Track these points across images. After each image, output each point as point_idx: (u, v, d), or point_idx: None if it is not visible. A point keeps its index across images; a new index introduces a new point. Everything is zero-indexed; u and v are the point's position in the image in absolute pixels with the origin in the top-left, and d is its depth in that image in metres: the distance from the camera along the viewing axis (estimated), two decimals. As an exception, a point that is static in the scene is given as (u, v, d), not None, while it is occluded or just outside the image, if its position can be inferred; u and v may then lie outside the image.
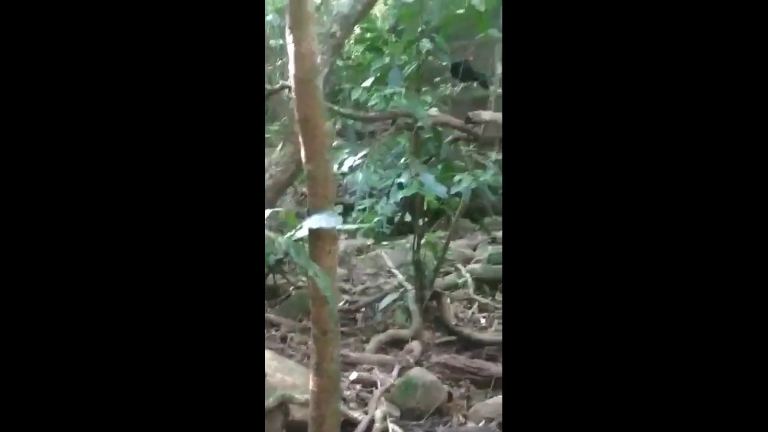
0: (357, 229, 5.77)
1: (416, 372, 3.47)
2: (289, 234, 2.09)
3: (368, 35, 4.07)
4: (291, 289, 4.76)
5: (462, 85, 5.29)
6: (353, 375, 3.56)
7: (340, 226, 2.10)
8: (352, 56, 5.37)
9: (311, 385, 2.24)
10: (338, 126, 7.38)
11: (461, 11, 3.79)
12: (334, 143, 5.18)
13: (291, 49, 2.00)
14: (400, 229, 5.75)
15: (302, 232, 2.09)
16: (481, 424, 3.16)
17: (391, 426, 3.05)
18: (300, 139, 2.10)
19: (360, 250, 5.81)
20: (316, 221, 2.03)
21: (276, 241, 2.02)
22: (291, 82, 2.05)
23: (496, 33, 3.96)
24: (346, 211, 6.44)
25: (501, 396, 3.37)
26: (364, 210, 5.14)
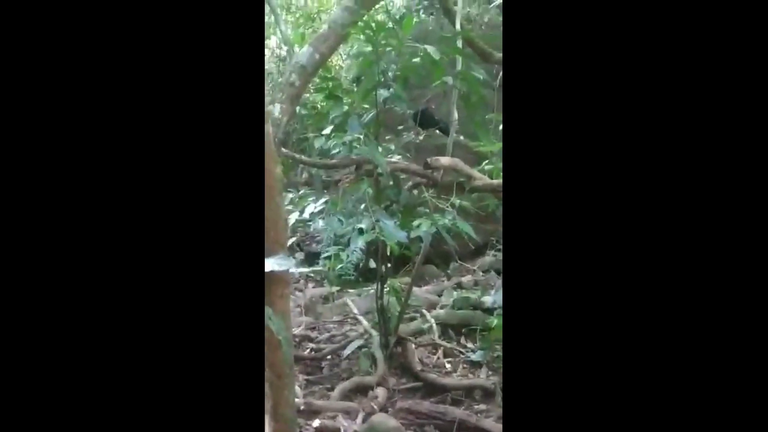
0: (323, 273, 5.78)
1: (380, 418, 3.46)
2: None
3: (327, 84, 4.13)
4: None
5: (424, 133, 5.35)
6: (317, 422, 3.53)
7: (292, 269, 2.12)
8: (311, 105, 5.44)
9: (267, 430, 2.23)
10: (305, 176, 7.45)
11: (417, 60, 3.87)
12: (301, 192, 5.22)
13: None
14: (367, 276, 5.76)
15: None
16: (444, 469, 3.14)
17: (354, 473, 3.03)
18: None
19: (326, 298, 5.79)
20: (268, 265, 2.04)
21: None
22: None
23: (451, 80, 4.06)
24: (313, 258, 6.45)
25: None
26: (329, 257, 5.16)
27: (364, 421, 3.54)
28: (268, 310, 1.99)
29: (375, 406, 3.73)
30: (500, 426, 3.56)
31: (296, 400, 3.48)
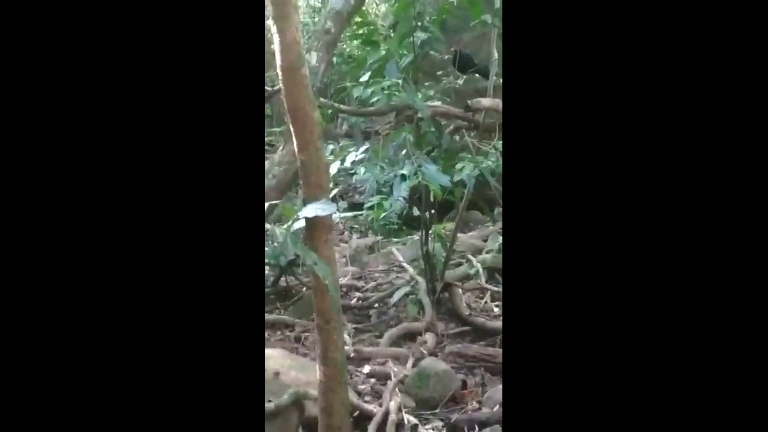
0: (367, 223, 5.79)
1: (429, 362, 3.47)
2: (286, 225, 2.09)
3: (363, 30, 4.07)
4: (303, 289, 4.77)
5: (463, 76, 5.27)
6: (367, 368, 3.56)
7: (335, 214, 2.11)
8: (348, 54, 5.39)
9: (318, 375, 2.25)
10: (345, 127, 7.43)
11: (453, 0, 3.78)
12: (341, 144, 5.20)
13: (276, 39, 2.01)
14: (410, 224, 5.76)
15: (299, 223, 2.10)
16: (495, 409, 3.15)
17: (406, 416, 3.05)
18: (291, 130, 2.11)
19: (371, 248, 5.81)
20: (311, 210, 2.03)
21: (273, 232, 2.03)
22: (278, 72, 2.05)
23: (490, 19, 3.96)
24: (356, 209, 6.47)
25: (515, 381, 3.37)
26: (372, 207, 5.16)
27: (414, 365, 3.55)
28: (312, 256, 1.99)
29: (424, 351, 3.75)
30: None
31: (346, 347, 3.52)
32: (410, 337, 4.07)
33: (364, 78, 3.99)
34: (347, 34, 4.47)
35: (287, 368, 3.23)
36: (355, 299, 4.79)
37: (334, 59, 4.45)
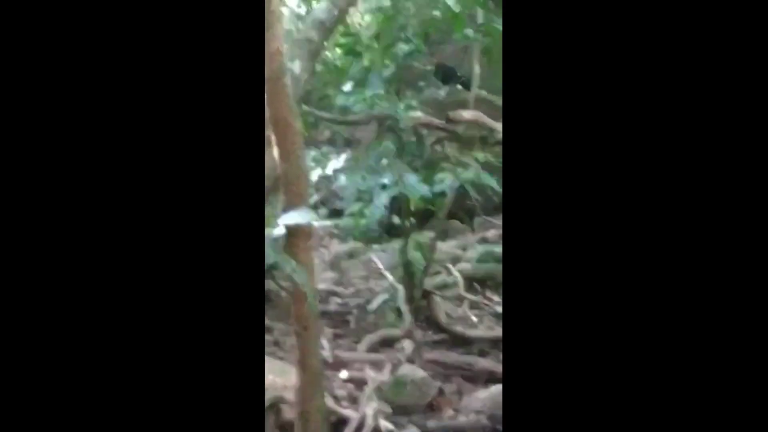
0: (347, 230, 5.81)
1: (407, 369, 3.51)
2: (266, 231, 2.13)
3: (346, 40, 4.11)
4: (283, 294, 4.78)
5: (445, 88, 5.33)
6: (344, 374, 3.59)
7: (314, 222, 2.15)
8: (331, 62, 5.42)
9: (296, 381, 2.29)
10: (327, 134, 7.45)
11: (437, 13, 3.84)
12: (323, 150, 5.24)
13: (259, 50, 2.04)
14: (391, 232, 5.80)
15: (279, 230, 2.13)
16: (471, 417, 3.20)
17: (382, 422, 3.08)
18: (273, 139, 2.15)
19: (351, 254, 5.84)
20: (290, 218, 2.07)
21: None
22: (261, 83, 2.09)
23: (472, 33, 4.02)
24: (337, 215, 6.49)
25: (491, 389, 3.42)
26: (353, 214, 5.19)
27: (391, 372, 3.58)
28: (291, 263, 2.02)
29: (402, 358, 3.78)
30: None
31: (324, 352, 3.55)
32: (388, 343, 4.10)
33: (347, 87, 4.04)
34: (331, 43, 4.51)
35: (265, 372, 3.24)
36: (334, 305, 4.82)
37: (318, 67, 4.48)
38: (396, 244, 4.93)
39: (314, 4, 4.76)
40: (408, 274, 4.43)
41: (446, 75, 4.82)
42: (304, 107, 4.12)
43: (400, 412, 3.27)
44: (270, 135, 2.19)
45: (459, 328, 4.28)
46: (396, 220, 4.98)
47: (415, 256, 4.54)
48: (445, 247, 5.68)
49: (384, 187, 3.59)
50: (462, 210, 6.22)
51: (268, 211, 2.53)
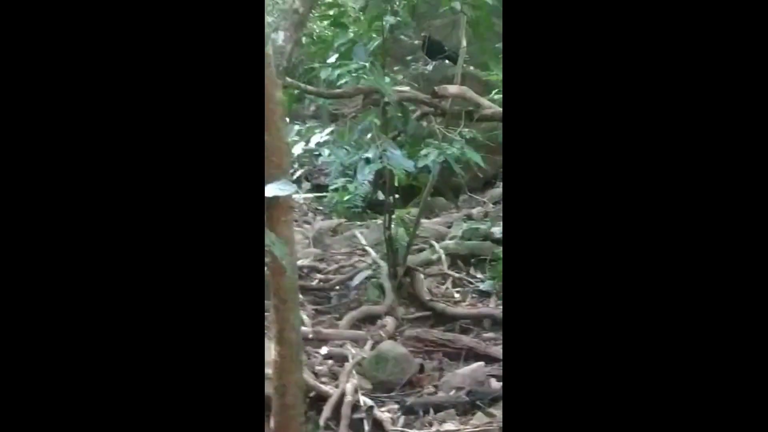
0: (330, 205, 5.79)
1: (388, 345, 3.50)
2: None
3: (332, 11, 4.04)
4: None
5: (432, 62, 5.27)
6: (325, 350, 3.58)
7: (297, 194, 2.10)
8: (317, 35, 5.35)
9: (273, 354, 2.26)
10: (312, 108, 7.38)
11: (424, -16, 3.78)
12: (308, 124, 5.18)
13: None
14: (374, 208, 5.77)
15: (259, 202, 2.09)
16: (451, 393, 3.19)
17: (362, 398, 3.07)
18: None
19: (334, 230, 5.80)
20: (270, 190, 2.02)
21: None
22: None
23: (459, 6, 3.96)
24: (320, 190, 6.45)
25: (471, 366, 3.42)
26: (337, 189, 5.15)
27: (372, 348, 3.58)
28: (270, 236, 1.98)
29: (383, 335, 3.77)
30: (508, 353, 3.59)
31: (305, 328, 3.53)
32: (370, 320, 4.09)
33: (332, 59, 3.98)
34: (316, 14, 4.44)
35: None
36: (316, 281, 4.79)
37: (303, 39, 4.41)
38: (380, 220, 4.91)
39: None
40: (391, 251, 4.41)
41: (433, 49, 4.75)
42: (289, 80, 4.05)
43: (380, 388, 3.27)
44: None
45: (441, 305, 4.27)
46: (380, 195, 4.95)
47: (398, 232, 4.51)
48: (429, 223, 5.65)
49: (368, 161, 3.54)
50: (447, 186, 6.20)
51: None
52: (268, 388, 2.90)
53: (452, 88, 4.03)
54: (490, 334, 3.99)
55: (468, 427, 2.98)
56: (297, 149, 4.20)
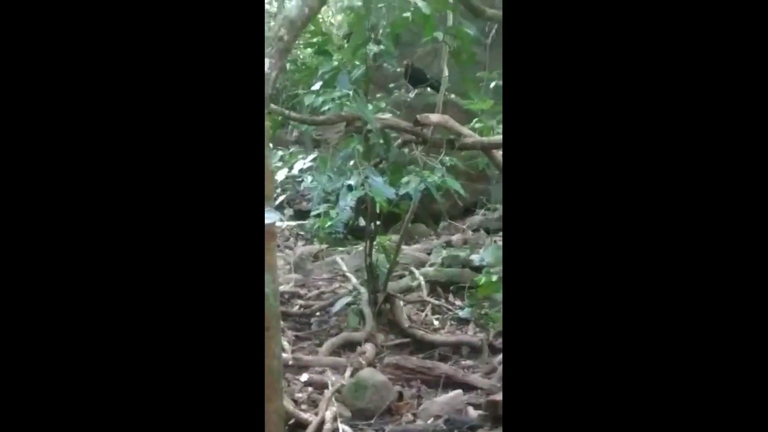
0: (312, 231, 5.79)
1: (367, 373, 3.49)
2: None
3: (316, 39, 4.08)
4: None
5: (414, 90, 5.32)
6: (305, 377, 3.56)
7: (278, 222, 2.12)
8: (301, 62, 5.39)
9: (254, 382, 2.25)
10: (295, 134, 7.41)
11: (407, 15, 3.83)
12: (291, 150, 5.19)
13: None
14: (356, 234, 5.78)
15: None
16: (429, 422, 3.19)
17: (341, 426, 3.06)
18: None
19: (316, 256, 5.80)
20: (254, 217, 2.04)
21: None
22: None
23: (442, 36, 4.02)
24: (302, 216, 6.46)
25: (450, 394, 3.42)
26: (319, 215, 5.16)
27: (352, 375, 3.57)
28: (254, 263, 1.99)
29: (363, 362, 3.76)
30: (486, 381, 3.61)
31: (285, 355, 3.52)
32: (350, 346, 4.09)
33: (316, 87, 4.01)
34: (301, 42, 4.48)
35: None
36: (296, 307, 4.78)
37: (287, 66, 4.45)
38: (361, 247, 4.92)
39: (285, 2, 4.73)
40: (372, 277, 4.42)
41: (415, 77, 4.80)
42: (273, 106, 4.08)
43: (359, 415, 3.26)
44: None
45: (420, 332, 4.28)
46: (361, 222, 4.97)
47: (379, 258, 4.52)
48: (409, 250, 5.67)
49: (350, 188, 3.56)
50: (427, 213, 6.23)
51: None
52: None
53: (434, 117, 4.07)
54: (469, 362, 4.00)
55: (446, 455, 2.98)
56: (280, 175, 4.22)
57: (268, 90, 3.58)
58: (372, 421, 3.22)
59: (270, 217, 2.05)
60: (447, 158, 3.98)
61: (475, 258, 5.09)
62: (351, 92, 3.75)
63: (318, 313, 4.66)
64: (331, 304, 4.58)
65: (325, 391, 3.36)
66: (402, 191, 3.69)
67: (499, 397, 3.06)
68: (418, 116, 4.02)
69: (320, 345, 4.09)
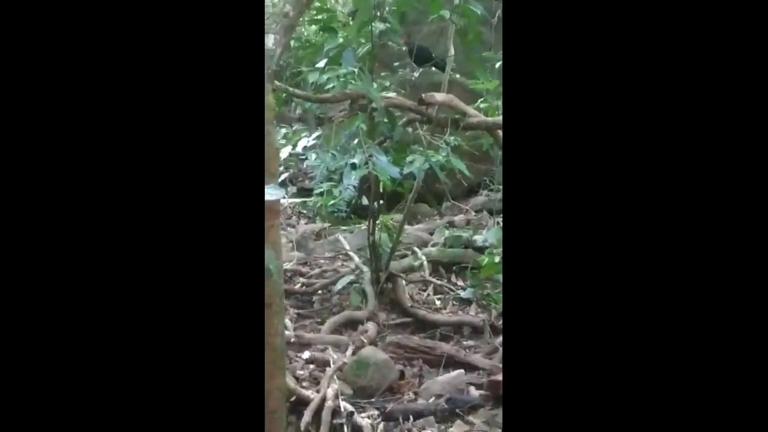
0: (315, 209, 5.79)
1: (368, 351, 3.50)
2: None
3: (321, 16, 4.04)
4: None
5: (420, 69, 5.29)
6: (306, 354, 3.58)
7: (284, 199, 2.11)
8: (306, 39, 5.35)
9: (257, 359, 2.25)
10: (299, 111, 7.37)
11: (414, -8, 3.80)
12: (294, 128, 5.17)
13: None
14: (359, 213, 5.77)
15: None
16: (431, 401, 3.20)
17: (342, 404, 3.07)
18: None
19: (318, 234, 5.80)
20: (258, 194, 2.03)
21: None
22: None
23: (448, 14, 3.98)
24: (305, 194, 6.44)
25: (451, 374, 3.43)
26: (322, 193, 5.16)
27: (353, 353, 3.58)
28: (258, 240, 1.99)
29: (365, 340, 3.77)
30: (488, 361, 3.62)
31: (287, 332, 3.53)
32: (352, 325, 4.09)
33: (321, 64, 3.98)
34: (306, 18, 4.45)
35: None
36: (299, 285, 4.78)
37: (292, 43, 4.42)
38: (364, 226, 4.92)
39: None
40: (374, 256, 4.42)
41: (421, 56, 4.77)
42: (277, 83, 4.05)
43: (360, 393, 3.27)
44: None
45: (422, 312, 4.29)
46: (365, 200, 4.96)
47: (382, 238, 4.52)
48: (412, 230, 5.67)
49: (354, 167, 3.54)
50: (430, 193, 6.21)
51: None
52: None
53: (439, 96, 4.04)
54: (470, 342, 4.02)
55: (447, 435, 2.99)
56: (283, 153, 4.21)
57: (272, 67, 3.56)
58: (373, 400, 3.23)
59: (274, 194, 2.05)
60: (451, 138, 3.96)
61: (478, 238, 5.09)
62: (356, 70, 3.72)
63: (320, 292, 4.66)
64: (333, 283, 4.58)
65: (327, 368, 3.37)
66: (406, 170, 3.67)
67: (500, 377, 3.07)
68: (423, 95, 3.99)
69: (322, 323, 4.10)
